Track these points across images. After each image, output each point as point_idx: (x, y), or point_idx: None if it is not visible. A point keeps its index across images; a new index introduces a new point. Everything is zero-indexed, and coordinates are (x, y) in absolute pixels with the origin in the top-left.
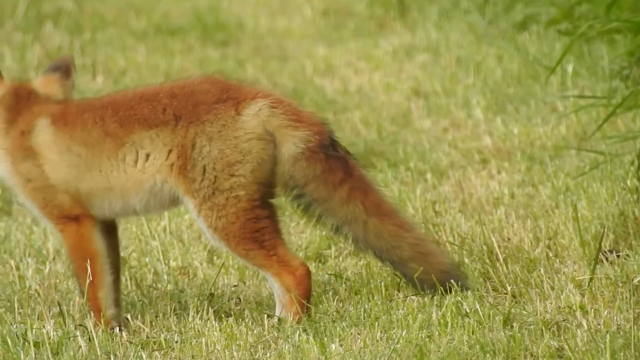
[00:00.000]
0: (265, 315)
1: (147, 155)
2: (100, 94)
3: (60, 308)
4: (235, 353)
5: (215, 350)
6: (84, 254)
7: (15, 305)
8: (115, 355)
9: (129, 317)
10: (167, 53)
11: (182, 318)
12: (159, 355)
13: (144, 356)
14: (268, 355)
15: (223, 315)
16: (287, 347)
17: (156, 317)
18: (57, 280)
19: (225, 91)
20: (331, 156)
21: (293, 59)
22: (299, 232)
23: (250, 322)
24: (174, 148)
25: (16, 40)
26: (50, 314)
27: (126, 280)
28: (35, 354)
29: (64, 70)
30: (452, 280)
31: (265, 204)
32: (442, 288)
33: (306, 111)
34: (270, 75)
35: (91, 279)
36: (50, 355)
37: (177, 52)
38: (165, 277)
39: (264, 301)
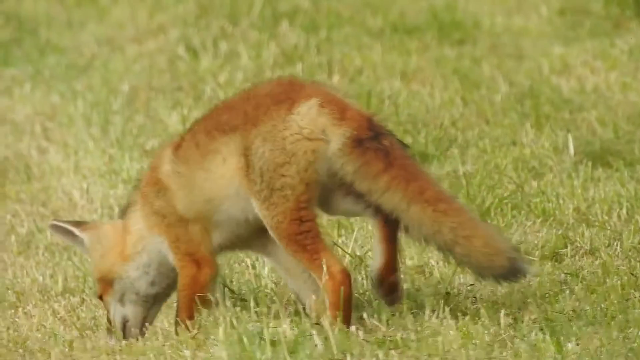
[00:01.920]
0: (502, 314)
1: (224, 160)
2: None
3: (296, 307)
4: (471, 352)
5: (452, 349)
6: (192, 298)
7: (252, 304)
8: (351, 354)
9: (364, 315)
10: (403, 52)
11: (419, 317)
12: (395, 354)
13: (380, 355)
14: (504, 354)
15: (459, 314)
16: (523, 346)
17: (392, 315)
18: None
19: (285, 92)
20: (369, 149)
21: (529, 58)
22: (535, 232)
23: (486, 321)
24: (242, 152)
25: (252, 38)
26: (287, 312)
27: (362, 279)
28: (271, 352)
29: None
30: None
31: (314, 206)
32: (497, 274)
33: (354, 107)
34: (506, 74)
35: (189, 320)
36: (286, 354)
37: (413, 51)
38: (402, 276)
39: (499, 300)
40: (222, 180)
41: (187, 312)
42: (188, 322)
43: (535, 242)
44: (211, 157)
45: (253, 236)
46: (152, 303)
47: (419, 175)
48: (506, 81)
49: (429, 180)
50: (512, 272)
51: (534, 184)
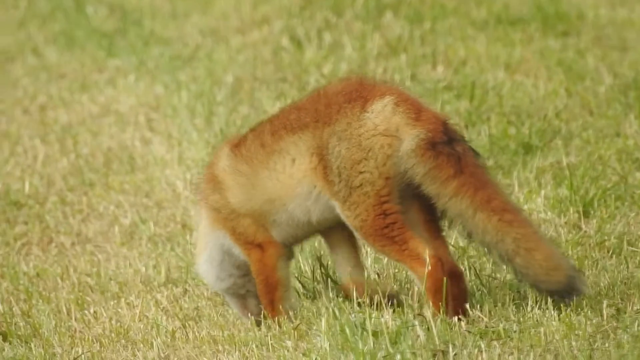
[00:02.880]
0: (604, 305)
1: (293, 161)
2: (439, 84)
3: (398, 297)
4: (573, 343)
5: (554, 340)
6: (266, 281)
7: (354, 294)
8: (453, 344)
9: (467, 306)
10: (508, 43)
11: (521, 308)
12: (497, 345)
13: (483, 346)
14: (606, 345)
15: (561, 305)
16: (625, 337)
17: (495, 306)
18: (396, 270)
19: (357, 91)
20: (442, 153)
21: (633, 50)
22: (638, 223)
23: (588, 312)
24: (315, 151)
25: (356, 29)
26: (389, 303)
27: (465, 270)
28: (373, 343)
29: None
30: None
31: (395, 199)
32: (553, 289)
33: (429, 109)
34: (610, 65)
35: (271, 305)
36: (388, 345)
37: (517, 42)
38: (504, 266)
39: (602, 291)
40: (290, 181)
41: (266, 297)
42: (270, 307)
43: (639, 233)
44: (277, 156)
45: (307, 236)
46: (239, 296)
47: (488, 184)
48: (610, 73)
49: (497, 190)
50: (567, 289)
51: (638, 175)
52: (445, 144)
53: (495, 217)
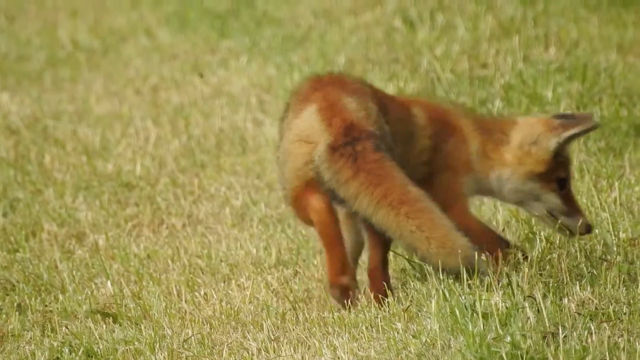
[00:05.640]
0: None
1: None
2: (551, 66)
3: (509, 279)
4: None
5: None
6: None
7: (464, 276)
8: (563, 326)
9: (577, 288)
10: (620, 24)
11: (631, 289)
12: (607, 327)
13: (592, 328)
14: None
15: None
16: None
17: (605, 288)
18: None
19: (306, 94)
20: (343, 155)
21: None
22: None
23: None
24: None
25: (469, 10)
26: (499, 285)
27: (575, 251)
28: (483, 324)
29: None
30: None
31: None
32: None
33: (342, 113)
34: None
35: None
36: (498, 326)
37: (630, 24)
38: (615, 248)
39: None
40: None
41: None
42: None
43: None
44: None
45: None
46: None
47: (386, 179)
48: None
49: (395, 183)
50: (468, 269)
51: None
52: (345, 145)
53: (392, 212)
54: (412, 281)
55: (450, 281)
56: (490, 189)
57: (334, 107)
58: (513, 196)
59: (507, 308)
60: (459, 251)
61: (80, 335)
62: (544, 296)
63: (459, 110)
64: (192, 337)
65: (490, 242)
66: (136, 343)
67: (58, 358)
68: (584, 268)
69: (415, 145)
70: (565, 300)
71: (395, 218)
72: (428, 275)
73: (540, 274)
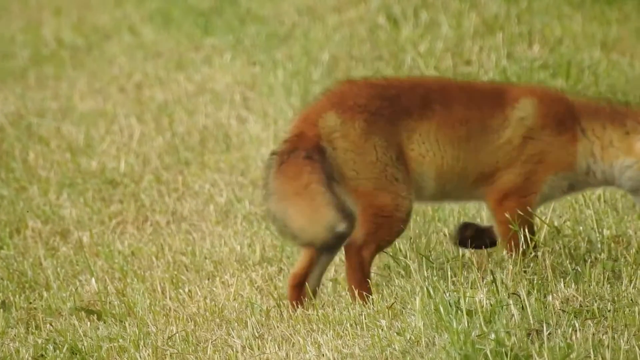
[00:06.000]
0: None
1: None
2: (535, 63)
3: (493, 276)
4: None
5: None
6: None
7: (449, 273)
8: (547, 323)
9: (562, 285)
10: (604, 22)
11: (616, 287)
12: (591, 324)
13: (577, 325)
14: None
15: None
16: None
17: (589, 285)
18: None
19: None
20: (282, 163)
21: None
22: None
23: None
24: None
25: (453, 7)
26: (484, 282)
27: (560, 248)
28: (467, 322)
29: None
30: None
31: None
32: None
33: (298, 121)
34: None
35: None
36: (482, 324)
37: (614, 21)
38: (599, 245)
39: None
40: None
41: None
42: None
43: None
44: None
45: None
46: None
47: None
48: None
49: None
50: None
51: None
52: (284, 154)
53: (282, 203)
54: (397, 278)
55: (435, 278)
56: (607, 179)
57: (303, 116)
58: (629, 184)
59: (491, 305)
60: (323, 221)
61: (65, 333)
62: (529, 293)
63: (585, 102)
64: (177, 334)
65: (517, 246)
66: (120, 340)
67: (42, 355)
68: (569, 265)
69: (500, 134)
70: (550, 298)
71: (279, 205)
72: (412, 273)
73: (525, 271)
